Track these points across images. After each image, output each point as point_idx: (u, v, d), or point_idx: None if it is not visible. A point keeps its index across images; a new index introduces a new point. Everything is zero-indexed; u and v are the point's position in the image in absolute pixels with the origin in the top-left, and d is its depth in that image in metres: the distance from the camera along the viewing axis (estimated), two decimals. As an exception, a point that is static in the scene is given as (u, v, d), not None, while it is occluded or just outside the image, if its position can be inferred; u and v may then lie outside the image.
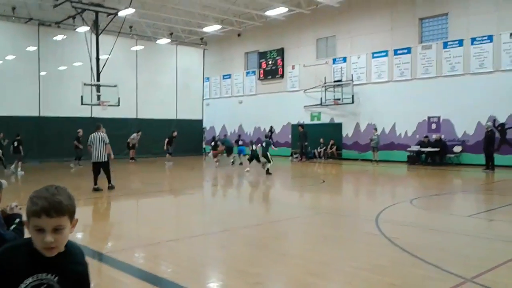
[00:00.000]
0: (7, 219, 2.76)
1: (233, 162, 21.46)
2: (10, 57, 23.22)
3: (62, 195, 1.77)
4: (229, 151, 22.54)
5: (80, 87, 21.14)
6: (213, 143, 22.65)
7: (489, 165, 17.57)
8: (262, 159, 17.44)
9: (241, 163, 21.17)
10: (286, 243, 6.97)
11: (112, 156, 13.04)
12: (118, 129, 23.89)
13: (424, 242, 6.64)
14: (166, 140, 22.62)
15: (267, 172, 16.67)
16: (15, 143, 17.95)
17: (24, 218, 1.82)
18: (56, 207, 1.73)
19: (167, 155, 22.26)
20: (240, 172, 18.30)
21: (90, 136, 12.82)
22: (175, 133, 22.96)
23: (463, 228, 7.66)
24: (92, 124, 24.06)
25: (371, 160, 22.18)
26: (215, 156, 21.59)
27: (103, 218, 9.64)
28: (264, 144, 17.60)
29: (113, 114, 23.57)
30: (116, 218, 9.63)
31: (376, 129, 22.38)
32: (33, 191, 1.78)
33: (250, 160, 17.82)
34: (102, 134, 12.62)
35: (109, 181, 12.69)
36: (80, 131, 20.21)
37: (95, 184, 12.41)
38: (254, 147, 17.87)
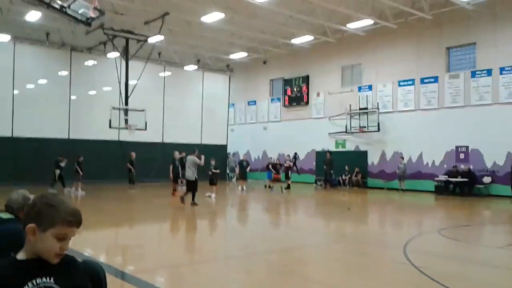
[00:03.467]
0: None
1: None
2: (42, 81, 23.96)
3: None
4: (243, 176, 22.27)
5: (108, 111, 21.55)
6: (277, 166, 22.07)
7: None
8: None
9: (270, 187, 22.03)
10: (311, 269, 6.83)
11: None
12: (144, 152, 24.21)
13: (453, 273, 6.42)
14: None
15: None
16: (75, 165, 18.83)
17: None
18: (81, 219, 1.81)
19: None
20: (265, 197, 18.16)
21: (187, 157, 15.17)
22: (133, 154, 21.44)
23: (494, 260, 7.40)
24: (119, 146, 24.67)
25: (397, 189, 21.80)
26: (277, 180, 21.65)
27: (126, 239, 9.65)
28: None
29: (139, 138, 23.89)
30: (139, 239, 9.63)
31: (402, 158, 22.05)
32: (49, 198, 1.78)
33: None
34: (193, 158, 14.61)
35: (193, 198, 14.39)
36: (133, 154, 20.63)
37: (193, 199, 14.36)
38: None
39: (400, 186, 21.62)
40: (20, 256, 1.78)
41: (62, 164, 18.89)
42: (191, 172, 14.43)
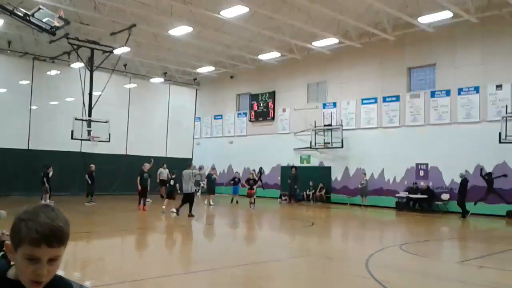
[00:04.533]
0: None
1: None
2: (2, 90, 23.25)
3: (61, 219, 1.49)
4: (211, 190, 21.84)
5: (71, 122, 21.08)
6: (251, 181, 20.51)
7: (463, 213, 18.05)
8: None
9: (237, 202, 21.92)
10: (275, 284, 6.85)
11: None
12: (107, 164, 23.82)
13: (414, 287, 6.58)
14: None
15: None
16: (42, 176, 18.69)
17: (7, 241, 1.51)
18: (58, 236, 1.45)
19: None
20: (230, 212, 18.08)
21: (183, 172, 15.69)
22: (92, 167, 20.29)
23: (454, 274, 7.62)
24: (81, 158, 24.15)
25: (359, 205, 22.16)
26: (251, 196, 20.20)
27: (88, 253, 9.42)
28: None
29: (103, 150, 23.48)
30: (100, 253, 9.42)
31: (365, 174, 22.49)
32: (23, 212, 1.48)
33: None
34: (192, 171, 15.53)
35: (190, 210, 15.10)
36: (93, 166, 20.17)
37: (177, 210, 15.28)
38: None
39: (362, 202, 22.01)
40: (10, 273, 1.51)
41: (50, 175, 18.88)
42: (190, 185, 15.29)
